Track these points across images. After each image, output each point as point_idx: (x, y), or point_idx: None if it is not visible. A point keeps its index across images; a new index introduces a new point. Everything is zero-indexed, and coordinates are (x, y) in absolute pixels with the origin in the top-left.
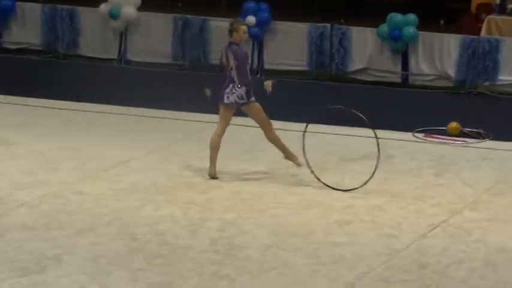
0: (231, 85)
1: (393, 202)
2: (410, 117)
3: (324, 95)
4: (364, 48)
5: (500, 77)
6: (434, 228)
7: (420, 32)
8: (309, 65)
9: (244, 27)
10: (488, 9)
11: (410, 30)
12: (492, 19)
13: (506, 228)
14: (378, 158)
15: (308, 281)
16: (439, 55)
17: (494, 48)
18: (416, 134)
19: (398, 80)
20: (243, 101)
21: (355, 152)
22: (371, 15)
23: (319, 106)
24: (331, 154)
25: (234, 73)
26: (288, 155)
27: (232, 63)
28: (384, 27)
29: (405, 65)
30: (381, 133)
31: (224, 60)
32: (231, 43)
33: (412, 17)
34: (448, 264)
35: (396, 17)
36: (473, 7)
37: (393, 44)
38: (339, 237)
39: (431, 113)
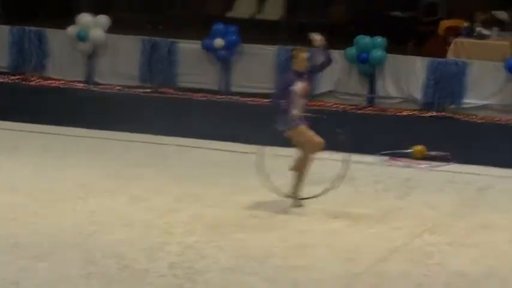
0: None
1: (354, 225)
2: (376, 139)
3: None
4: (332, 70)
5: (466, 100)
6: (394, 252)
7: (388, 55)
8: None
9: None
10: (455, 31)
11: (378, 52)
12: (459, 42)
13: (466, 252)
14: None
15: None
16: (406, 78)
17: (461, 71)
18: (381, 157)
19: (365, 103)
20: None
21: (318, 174)
22: (339, 38)
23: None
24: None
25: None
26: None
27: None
28: (352, 50)
29: (372, 88)
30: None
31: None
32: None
33: (379, 39)
34: None
35: (364, 39)
36: (441, 30)
37: (361, 66)
38: (298, 260)
39: (397, 136)
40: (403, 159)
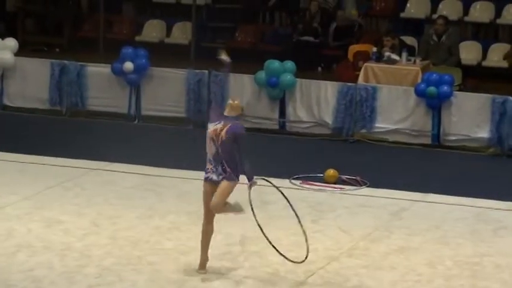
0: None
1: (270, 249)
2: (288, 164)
3: (203, 142)
4: (242, 94)
5: (377, 124)
6: (311, 275)
7: (297, 79)
8: (187, 112)
9: None
10: (365, 56)
11: (287, 77)
12: (369, 66)
13: (382, 275)
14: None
15: None
16: (316, 102)
17: (371, 95)
18: (293, 181)
19: (276, 127)
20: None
21: (232, 198)
22: (249, 62)
23: (196, 153)
24: None
25: None
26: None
27: None
28: (262, 74)
29: (282, 112)
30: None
31: None
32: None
33: (289, 64)
34: None
35: (273, 64)
36: (350, 55)
37: (270, 90)
38: (216, 283)
39: (308, 160)
40: (316, 183)
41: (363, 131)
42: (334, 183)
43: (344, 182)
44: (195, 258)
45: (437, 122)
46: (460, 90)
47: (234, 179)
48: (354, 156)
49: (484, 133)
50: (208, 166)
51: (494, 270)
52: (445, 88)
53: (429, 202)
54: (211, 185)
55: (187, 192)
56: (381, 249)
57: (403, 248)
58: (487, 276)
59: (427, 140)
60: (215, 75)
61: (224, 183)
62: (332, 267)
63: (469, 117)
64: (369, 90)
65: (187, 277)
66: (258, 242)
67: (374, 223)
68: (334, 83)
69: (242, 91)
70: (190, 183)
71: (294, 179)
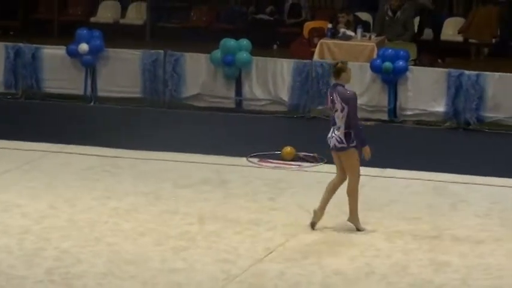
0: (332, 128)
1: (229, 227)
2: (245, 142)
3: (159, 122)
4: (198, 74)
5: None
6: (270, 253)
7: (253, 57)
8: (143, 92)
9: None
10: (320, 33)
11: (243, 55)
12: (324, 43)
13: (341, 251)
14: None
15: None
16: (272, 80)
17: (326, 72)
18: (250, 159)
19: (232, 106)
20: (342, 145)
21: (189, 178)
22: (204, 42)
23: (153, 133)
24: (165, 181)
25: (338, 116)
26: (353, 218)
27: (338, 105)
28: (217, 53)
29: (239, 90)
30: (215, 159)
31: (329, 103)
32: (336, 85)
33: (245, 42)
34: None
35: (229, 42)
36: (305, 31)
37: (226, 69)
38: (175, 263)
39: (265, 138)
40: (273, 161)
41: (319, 107)
42: (292, 161)
43: (301, 159)
44: (154, 239)
45: (393, 97)
46: (415, 65)
47: None
48: (311, 133)
49: (440, 107)
50: None
51: (452, 244)
52: (401, 63)
53: (387, 177)
54: None
55: (145, 173)
56: (340, 225)
57: (362, 224)
58: (446, 250)
59: (384, 116)
60: (170, 55)
61: None
62: (291, 244)
63: (425, 92)
64: (324, 67)
65: (147, 258)
66: (215, 220)
67: (332, 200)
68: (290, 60)
69: (198, 70)
70: (147, 164)
71: (251, 157)
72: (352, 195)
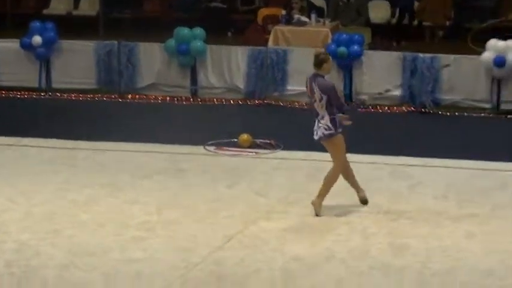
0: (315, 120)
1: (188, 215)
2: (202, 130)
3: (115, 112)
4: (152, 64)
5: (288, 87)
6: (230, 240)
7: (208, 45)
8: (98, 83)
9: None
10: (274, 20)
11: (197, 43)
12: (279, 29)
13: (301, 237)
14: None
15: None
16: (227, 67)
17: (282, 58)
18: (207, 147)
19: (188, 94)
20: (330, 131)
21: (146, 168)
22: (158, 31)
23: (109, 124)
24: (123, 172)
25: (317, 105)
26: (318, 202)
27: (317, 95)
28: (171, 42)
29: (194, 79)
30: (172, 148)
31: (309, 93)
32: (316, 75)
33: (198, 30)
34: (245, 275)
35: (183, 31)
36: (259, 18)
37: (181, 58)
38: (136, 253)
39: (222, 126)
40: (230, 149)
41: (275, 94)
42: (249, 148)
43: (258, 146)
44: (113, 230)
45: (349, 81)
46: (370, 49)
47: None
48: (267, 119)
49: (396, 91)
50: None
51: (411, 227)
52: (356, 48)
53: None
54: None
55: (102, 164)
56: (299, 211)
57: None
58: (405, 233)
59: None
60: (124, 45)
61: None
62: (250, 231)
63: (381, 76)
64: (279, 53)
65: (107, 248)
66: (173, 209)
67: (289, 185)
68: (245, 47)
69: (152, 60)
70: (104, 155)
71: (208, 145)
72: (329, 183)
